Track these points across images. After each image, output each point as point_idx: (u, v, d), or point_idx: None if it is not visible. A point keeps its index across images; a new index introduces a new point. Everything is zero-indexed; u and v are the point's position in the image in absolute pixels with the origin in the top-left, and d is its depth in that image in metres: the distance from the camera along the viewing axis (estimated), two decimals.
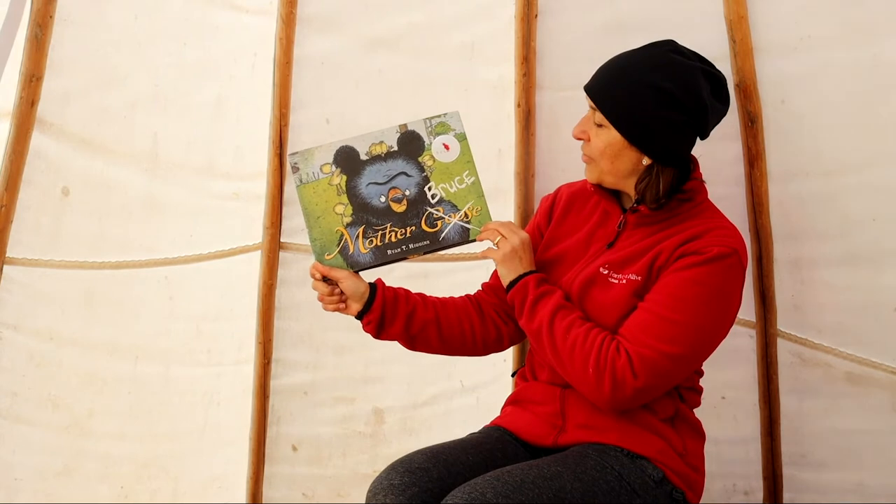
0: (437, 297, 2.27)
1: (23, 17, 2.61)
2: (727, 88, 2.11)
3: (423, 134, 2.14)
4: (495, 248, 2.12)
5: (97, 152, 2.79)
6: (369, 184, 2.11)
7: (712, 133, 2.48)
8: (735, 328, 2.58)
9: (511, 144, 2.70)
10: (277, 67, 2.71)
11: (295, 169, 2.11)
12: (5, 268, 2.75)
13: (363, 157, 2.12)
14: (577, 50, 2.55)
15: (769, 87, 2.45)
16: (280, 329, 2.86)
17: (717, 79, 2.08)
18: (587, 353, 1.98)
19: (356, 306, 2.15)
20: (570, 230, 2.24)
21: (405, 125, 2.14)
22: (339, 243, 2.10)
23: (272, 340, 2.86)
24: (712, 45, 2.44)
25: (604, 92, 2.07)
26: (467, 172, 2.13)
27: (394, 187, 2.12)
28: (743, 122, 2.48)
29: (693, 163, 2.14)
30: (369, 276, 2.15)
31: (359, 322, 2.19)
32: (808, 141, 2.46)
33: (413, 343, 2.23)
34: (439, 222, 2.12)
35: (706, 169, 2.49)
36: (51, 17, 2.63)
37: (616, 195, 2.19)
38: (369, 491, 1.98)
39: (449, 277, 2.72)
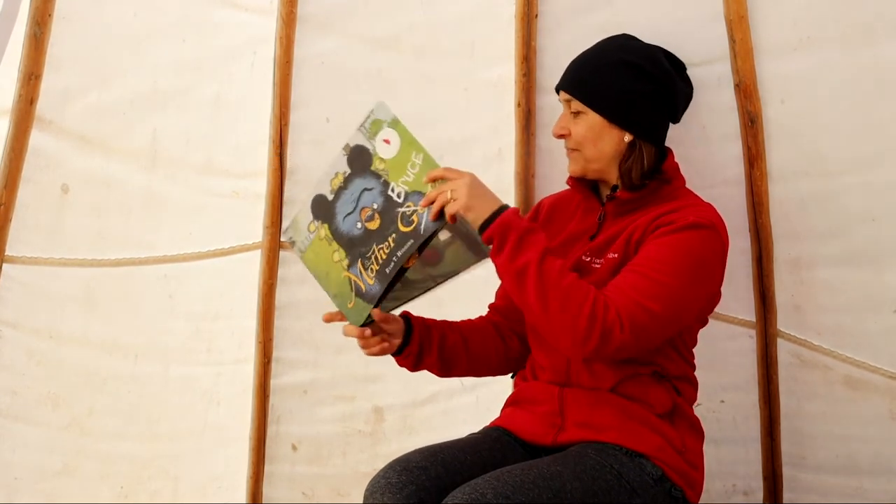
0: (459, 322, 2.28)
1: (19, 15, 2.60)
2: (686, 72, 2.25)
3: (365, 141, 2.04)
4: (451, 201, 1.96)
5: (96, 150, 2.78)
6: (344, 218, 2.05)
7: (712, 133, 2.52)
8: (735, 328, 2.62)
9: (511, 144, 2.70)
10: (277, 67, 2.71)
11: (292, 243, 2.10)
12: (5, 266, 2.74)
13: (330, 197, 2.07)
14: (578, 50, 2.53)
15: (769, 87, 2.45)
16: (280, 328, 2.86)
17: (676, 59, 2.25)
18: (582, 301, 1.90)
19: (397, 341, 2.14)
20: (555, 233, 2.27)
21: (347, 144, 2.07)
22: (353, 288, 2.04)
23: (272, 339, 2.87)
24: (712, 45, 2.46)
25: (575, 80, 2.20)
26: (415, 153, 1.99)
27: (363, 208, 2.03)
28: (743, 122, 2.48)
29: (669, 151, 2.22)
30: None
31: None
32: (807, 141, 2.46)
33: (447, 367, 2.23)
34: (414, 217, 1.98)
35: (706, 169, 2.52)
36: (49, 15, 2.62)
37: (596, 192, 2.24)
38: (367, 489, 1.98)
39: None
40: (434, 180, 1.96)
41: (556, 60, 2.62)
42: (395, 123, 2.01)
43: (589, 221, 2.23)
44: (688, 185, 2.25)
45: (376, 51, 2.73)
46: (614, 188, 2.20)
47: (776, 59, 2.43)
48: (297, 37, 2.71)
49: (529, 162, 2.70)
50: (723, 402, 2.66)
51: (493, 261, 1.98)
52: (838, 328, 2.52)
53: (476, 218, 1.96)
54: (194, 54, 2.78)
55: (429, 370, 2.23)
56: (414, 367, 2.20)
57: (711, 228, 2.05)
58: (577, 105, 2.17)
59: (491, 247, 1.97)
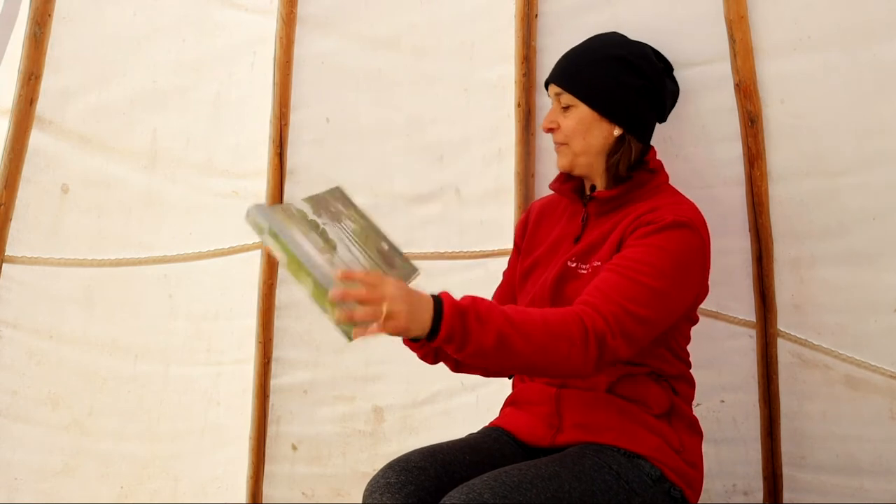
0: None
1: (19, 15, 2.60)
2: (674, 72, 2.28)
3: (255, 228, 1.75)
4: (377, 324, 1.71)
5: (96, 150, 2.78)
6: None
7: (712, 133, 2.51)
8: (735, 328, 2.61)
9: (511, 144, 2.70)
10: (277, 67, 2.71)
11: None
12: (5, 266, 2.74)
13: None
14: None
15: (769, 87, 2.45)
16: (280, 328, 2.86)
17: (664, 58, 2.27)
18: (566, 325, 1.83)
19: None
20: (543, 238, 2.27)
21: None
22: None
23: (272, 339, 2.87)
24: (712, 45, 2.45)
25: (566, 73, 2.20)
26: (303, 273, 1.68)
27: None
28: (743, 122, 2.48)
29: (652, 148, 2.24)
30: None
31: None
32: (807, 141, 2.46)
33: (460, 363, 2.20)
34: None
35: (706, 169, 2.51)
36: (49, 15, 2.62)
37: (581, 195, 2.24)
38: (366, 489, 1.98)
39: (446, 277, 2.72)
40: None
41: (555, 60, 2.63)
42: (274, 234, 1.73)
43: (574, 224, 2.23)
44: (688, 185, 2.26)
45: (376, 51, 2.73)
46: (593, 188, 2.21)
47: (776, 59, 2.42)
48: (297, 37, 2.71)
49: (529, 162, 2.70)
50: (723, 401, 2.66)
51: (458, 355, 1.79)
52: (838, 328, 2.51)
53: (419, 328, 1.75)
54: (194, 54, 2.78)
55: (445, 361, 2.18)
56: (434, 357, 2.15)
57: (690, 226, 2.04)
58: (567, 98, 2.18)
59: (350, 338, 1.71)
